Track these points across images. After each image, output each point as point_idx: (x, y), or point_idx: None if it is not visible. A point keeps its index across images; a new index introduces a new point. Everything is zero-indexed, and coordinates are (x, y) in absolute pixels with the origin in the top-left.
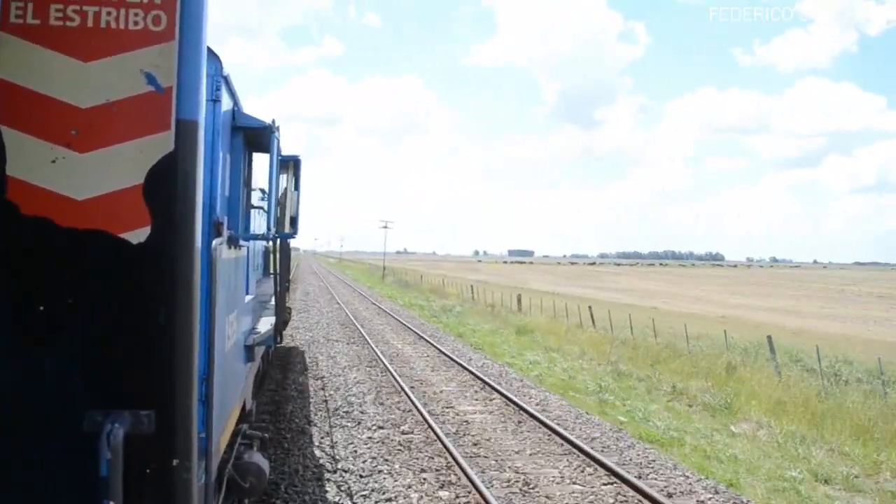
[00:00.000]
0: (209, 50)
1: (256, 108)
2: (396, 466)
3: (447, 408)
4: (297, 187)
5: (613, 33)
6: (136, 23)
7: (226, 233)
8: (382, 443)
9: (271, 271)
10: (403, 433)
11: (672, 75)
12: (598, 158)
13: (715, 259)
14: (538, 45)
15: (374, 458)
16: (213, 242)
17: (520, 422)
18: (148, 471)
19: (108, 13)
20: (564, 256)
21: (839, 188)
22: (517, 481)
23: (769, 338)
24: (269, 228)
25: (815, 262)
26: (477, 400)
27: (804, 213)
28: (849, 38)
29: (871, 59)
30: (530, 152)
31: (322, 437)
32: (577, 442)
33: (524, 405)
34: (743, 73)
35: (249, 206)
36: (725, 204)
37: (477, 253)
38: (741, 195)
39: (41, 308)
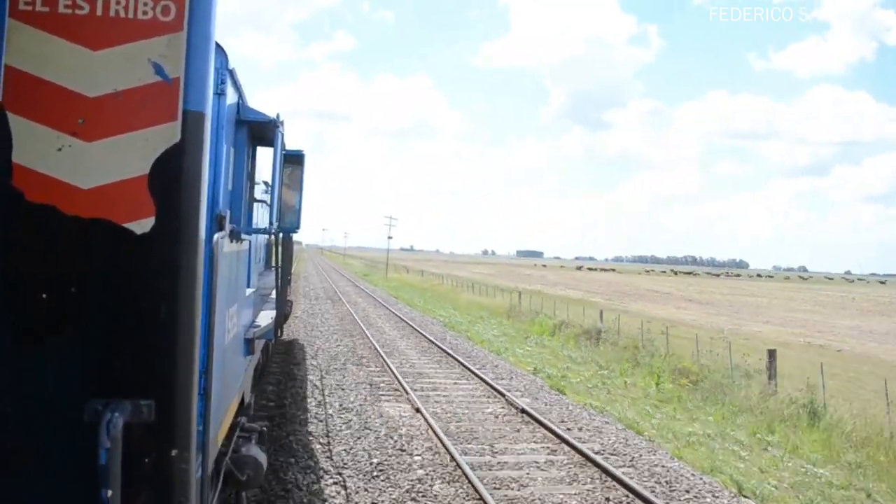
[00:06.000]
0: (215, 43)
1: (267, 101)
2: None
3: None
4: (300, 182)
5: (626, 36)
6: (145, 12)
7: (228, 226)
8: None
9: (273, 264)
10: None
11: (684, 79)
12: (608, 161)
13: (739, 266)
14: (550, 46)
15: None
16: (216, 236)
17: None
18: (146, 460)
19: (118, 2)
20: (577, 258)
21: (851, 196)
22: None
23: None
24: (271, 222)
25: (847, 272)
26: None
27: (819, 222)
28: (866, 46)
29: (889, 68)
30: (539, 153)
31: None
32: None
33: None
34: (756, 78)
35: (252, 200)
36: (738, 209)
37: (485, 252)
38: (754, 201)
39: (44, 296)
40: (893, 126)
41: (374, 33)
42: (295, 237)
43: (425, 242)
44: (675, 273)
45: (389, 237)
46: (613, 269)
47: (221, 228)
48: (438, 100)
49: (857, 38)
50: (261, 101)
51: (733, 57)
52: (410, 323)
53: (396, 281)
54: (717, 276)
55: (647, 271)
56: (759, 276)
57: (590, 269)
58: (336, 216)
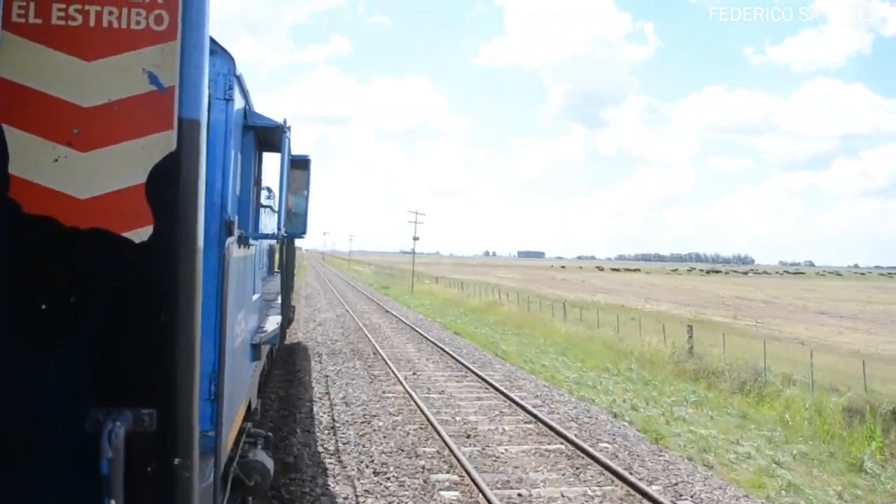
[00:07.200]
0: (223, 49)
1: (266, 106)
2: None
3: None
4: (306, 187)
5: (622, 34)
6: (138, 22)
7: (237, 232)
8: None
9: (276, 269)
10: None
11: (680, 76)
12: (607, 159)
13: (744, 262)
14: (547, 44)
15: None
16: (227, 242)
17: None
18: (149, 470)
19: (111, 13)
20: (579, 258)
21: (851, 190)
22: None
23: None
24: (279, 228)
25: (855, 266)
26: None
27: (820, 216)
28: (864, 38)
29: (886, 60)
30: (539, 152)
31: None
32: None
33: None
34: (753, 73)
35: (259, 205)
36: (738, 205)
37: (487, 253)
38: (754, 196)
39: (43, 307)
40: (890, 118)
41: (372, 36)
42: (296, 242)
43: (425, 244)
44: (706, 272)
45: (415, 238)
46: (638, 270)
47: (230, 234)
48: (438, 102)
49: (855, 30)
50: (259, 106)
51: (730, 52)
52: (594, 452)
53: (428, 296)
54: (745, 273)
55: (673, 270)
56: (786, 272)
57: (613, 269)
58: (337, 219)
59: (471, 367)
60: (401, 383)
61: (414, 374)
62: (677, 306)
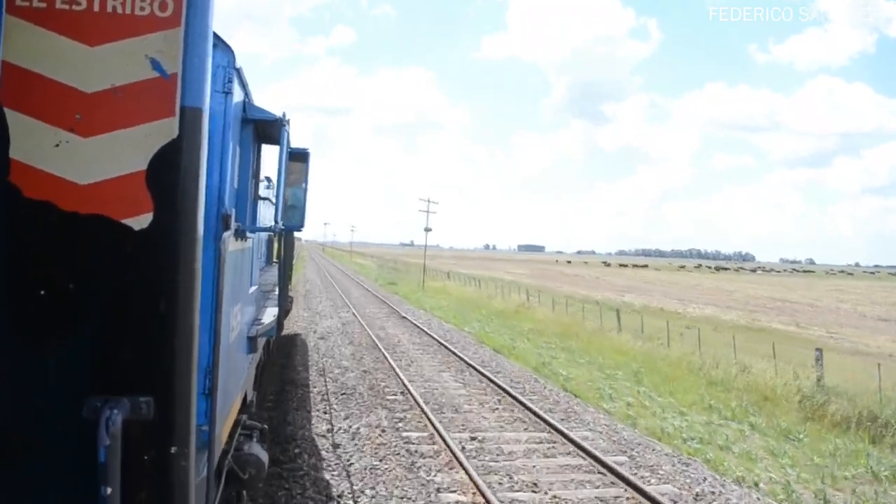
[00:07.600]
0: (222, 41)
1: (268, 96)
2: None
3: None
4: (304, 180)
5: (625, 29)
6: (142, 8)
7: (233, 225)
8: None
9: (274, 259)
10: None
11: (683, 72)
12: (608, 155)
13: (745, 259)
14: (549, 39)
15: None
16: (223, 236)
17: None
18: (146, 458)
19: None
20: (579, 253)
21: (852, 188)
22: None
23: None
24: (276, 221)
25: (856, 264)
26: None
27: (820, 213)
28: (866, 38)
29: (889, 60)
30: (540, 147)
31: None
32: None
33: None
34: (757, 70)
35: (257, 198)
36: (738, 201)
37: (487, 247)
38: (754, 193)
39: (42, 293)
40: (892, 117)
41: (374, 27)
42: (295, 233)
43: (423, 237)
44: (714, 269)
45: (427, 229)
46: (646, 266)
47: (227, 228)
48: (440, 95)
49: (858, 30)
50: (261, 97)
51: (733, 49)
52: None
53: (443, 295)
54: (753, 271)
55: (681, 267)
56: (794, 270)
57: (621, 265)
58: (338, 211)
59: (548, 419)
60: (461, 465)
61: (472, 438)
62: (721, 310)
